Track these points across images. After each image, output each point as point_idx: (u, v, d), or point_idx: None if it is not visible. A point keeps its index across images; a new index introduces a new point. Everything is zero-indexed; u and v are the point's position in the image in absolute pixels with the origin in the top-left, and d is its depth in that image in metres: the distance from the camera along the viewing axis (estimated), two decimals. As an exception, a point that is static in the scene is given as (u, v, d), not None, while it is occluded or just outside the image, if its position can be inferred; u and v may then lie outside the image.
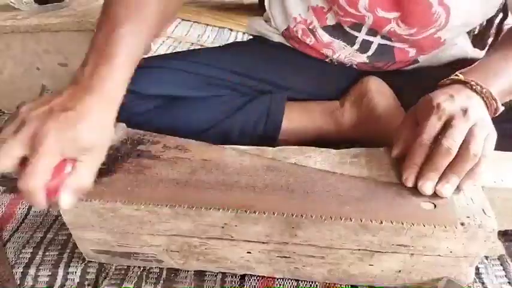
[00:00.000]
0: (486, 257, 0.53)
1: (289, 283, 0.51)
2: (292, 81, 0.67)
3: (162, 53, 1.24)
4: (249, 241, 0.46)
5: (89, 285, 0.52)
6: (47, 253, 0.56)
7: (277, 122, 0.63)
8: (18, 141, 0.37)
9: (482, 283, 0.50)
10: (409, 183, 0.44)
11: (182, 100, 0.64)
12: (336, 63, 0.68)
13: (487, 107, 0.46)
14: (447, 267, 0.45)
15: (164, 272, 0.53)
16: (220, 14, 1.53)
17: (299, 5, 0.63)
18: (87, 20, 0.81)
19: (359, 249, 0.45)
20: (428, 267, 0.45)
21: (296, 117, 0.65)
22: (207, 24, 1.47)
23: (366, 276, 0.48)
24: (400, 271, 0.46)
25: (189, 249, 0.49)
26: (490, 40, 0.77)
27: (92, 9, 0.87)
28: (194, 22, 1.48)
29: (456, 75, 0.49)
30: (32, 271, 0.53)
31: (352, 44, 0.63)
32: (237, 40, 1.35)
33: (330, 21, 0.62)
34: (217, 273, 0.52)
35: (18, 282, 0.52)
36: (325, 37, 0.64)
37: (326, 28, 0.63)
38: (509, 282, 0.50)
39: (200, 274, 0.52)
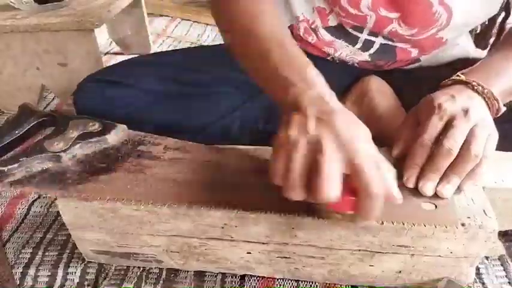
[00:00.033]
0: (486, 257, 0.53)
1: (289, 283, 0.51)
2: None
3: (162, 52, 1.25)
4: (249, 241, 0.46)
5: (88, 285, 0.52)
6: (47, 253, 0.56)
7: (277, 119, 0.63)
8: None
9: (483, 283, 0.50)
10: (410, 184, 0.44)
11: (182, 96, 0.64)
12: (337, 61, 0.68)
13: (489, 108, 0.46)
14: (448, 268, 0.45)
15: (164, 273, 0.53)
16: (220, 14, 1.53)
17: (303, 5, 0.63)
18: (87, 19, 0.81)
19: (359, 250, 0.45)
20: (428, 267, 0.45)
21: None
22: (207, 24, 1.46)
23: (366, 276, 0.47)
24: (400, 271, 0.46)
25: (189, 249, 0.49)
26: (492, 40, 0.77)
27: (92, 9, 0.87)
28: (194, 22, 1.48)
29: (457, 75, 0.49)
30: (31, 271, 0.53)
31: (354, 43, 0.63)
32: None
33: (332, 22, 0.62)
34: (217, 273, 0.52)
35: (18, 282, 0.52)
36: (327, 37, 0.64)
37: (328, 28, 0.63)
38: (509, 283, 0.50)
39: (200, 274, 0.52)
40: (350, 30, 0.61)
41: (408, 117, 0.49)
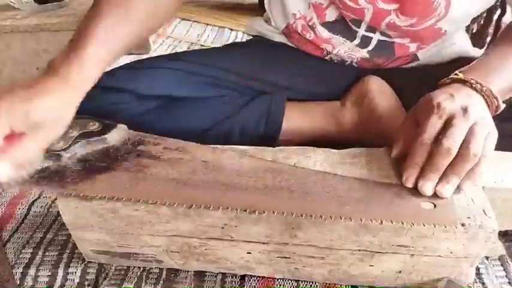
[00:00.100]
0: (486, 257, 0.53)
1: (289, 283, 0.51)
2: (292, 81, 0.67)
3: (162, 52, 1.25)
4: (249, 241, 0.46)
5: (88, 285, 0.52)
6: (47, 253, 0.56)
7: (277, 122, 0.63)
8: None
9: (483, 283, 0.50)
10: (409, 184, 0.44)
11: (182, 100, 0.64)
12: (336, 61, 0.68)
13: (488, 105, 0.46)
14: (447, 268, 0.45)
15: (164, 273, 0.53)
16: (220, 14, 1.53)
17: (300, 2, 0.63)
18: (87, 19, 0.81)
19: (359, 250, 0.45)
20: (428, 267, 0.45)
21: (296, 118, 0.65)
22: (207, 24, 1.46)
23: (366, 276, 0.48)
24: (400, 271, 0.46)
25: (189, 249, 0.49)
26: (488, 39, 0.77)
27: (92, 9, 0.87)
28: (194, 22, 1.48)
29: (456, 74, 0.49)
30: (31, 271, 0.53)
31: (352, 39, 0.63)
32: (237, 40, 1.35)
33: (329, 17, 0.62)
34: (217, 273, 0.52)
35: (18, 282, 0.52)
36: (324, 33, 0.64)
37: (325, 24, 0.63)
38: (509, 283, 0.50)
39: (200, 274, 0.52)
40: (349, 22, 0.61)
41: (407, 117, 0.49)
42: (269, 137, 0.64)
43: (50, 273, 0.53)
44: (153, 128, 0.58)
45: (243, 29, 1.39)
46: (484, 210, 0.42)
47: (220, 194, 0.45)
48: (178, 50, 1.29)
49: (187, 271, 0.52)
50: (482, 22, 0.73)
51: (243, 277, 0.52)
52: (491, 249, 0.50)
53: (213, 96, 0.65)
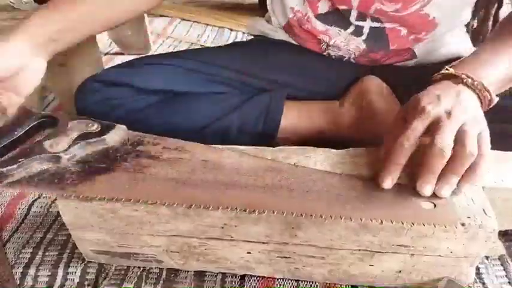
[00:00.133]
0: (487, 257, 0.53)
1: (289, 283, 0.51)
2: (292, 79, 0.67)
3: (162, 52, 1.25)
4: (248, 241, 0.46)
5: (88, 285, 0.52)
6: (47, 253, 0.56)
7: (276, 120, 0.64)
8: None
9: (483, 283, 0.50)
10: (381, 183, 0.44)
11: (182, 96, 0.64)
12: (334, 56, 0.69)
13: (480, 100, 0.46)
14: (447, 268, 0.45)
15: (164, 272, 0.53)
16: (220, 14, 1.53)
17: None
18: (87, 20, 0.81)
19: (359, 250, 0.45)
20: (428, 267, 0.45)
21: (295, 117, 0.65)
22: (207, 24, 1.47)
23: (366, 276, 0.48)
24: (400, 271, 0.46)
25: (189, 249, 0.49)
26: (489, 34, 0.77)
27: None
28: (194, 22, 1.48)
29: (447, 69, 0.48)
30: (31, 271, 0.53)
31: (346, 27, 0.64)
32: (237, 40, 1.35)
33: (322, 9, 0.64)
34: (217, 273, 0.52)
35: (18, 282, 0.52)
36: (320, 26, 0.65)
37: (319, 17, 0.64)
38: (509, 282, 0.50)
39: (200, 274, 0.52)
40: (341, 12, 0.62)
41: (397, 116, 0.49)
42: (267, 134, 0.64)
43: (49, 273, 0.53)
44: (152, 123, 0.58)
45: (243, 29, 1.40)
46: (484, 210, 0.42)
47: (219, 193, 0.45)
48: (178, 50, 1.29)
49: (187, 271, 0.52)
50: (481, 16, 0.73)
51: (243, 277, 0.52)
52: (491, 249, 0.50)
53: (213, 93, 0.65)
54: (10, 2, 0.90)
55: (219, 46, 0.77)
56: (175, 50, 1.28)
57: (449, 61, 0.67)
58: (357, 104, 0.64)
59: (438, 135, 0.41)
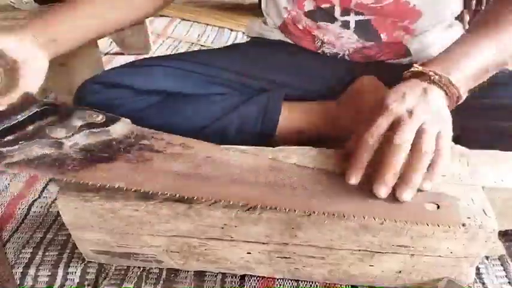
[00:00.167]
0: (487, 257, 0.53)
1: (289, 283, 0.51)
2: (289, 79, 0.68)
3: (162, 53, 1.25)
4: (249, 241, 0.46)
5: (88, 285, 0.52)
6: (47, 253, 0.56)
7: (273, 120, 0.64)
8: None
9: (483, 283, 0.50)
10: (348, 180, 0.44)
11: (181, 97, 0.65)
12: (329, 54, 0.69)
13: (449, 97, 0.46)
14: (447, 268, 0.45)
15: (164, 273, 0.53)
16: (220, 14, 1.53)
17: None
18: (87, 20, 0.81)
19: (359, 250, 0.45)
20: (428, 267, 0.45)
21: (293, 117, 0.65)
22: (207, 24, 1.47)
23: (366, 276, 0.48)
24: (400, 271, 0.46)
25: (189, 249, 0.49)
26: None
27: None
28: (194, 22, 1.48)
29: (416, 66, 0.49)
30: (31, 271, 0.53)
31: (333, 21, 0.65)
32: (237, 40, 1.35)
33: (307, 7, 0.65)
34: (217, 273, 0.52)
35: (18, 282, 0.52)
36: (310, 23, 0.66)
37: (307, 14, 0.66)
38: (509, 282, 0.50)
39: (200, 274, 0.52)
40: (324, 8, 0.63)
41: (370, 113, 0.49)
42: (266, 134, 0.64)
43: (49, 273, 0.53)
44: (152, 124, 0.58)
45: (243, 30, 1.40)
46: (484, 210, 0.42)
47: (221, 188, 0.45)
48: (179, 50, 1.29)
49: (187, 271, 0.52)
50: (473, 8, 0.72)
51: (243, 277, 0.52)
52: (491, 249, 0.50)
53: (212, 94, 0.66)
54: (10, 1, 0.90)
55: (218, 48, 0.78)
56: (175, 51, 1.28)
57: None
58: (354, 104, 0.64)
59: (397, 132, 0.42)
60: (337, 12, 0.63)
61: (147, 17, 0.87)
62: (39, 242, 0.58)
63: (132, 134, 0.52)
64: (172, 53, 1.20)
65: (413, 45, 0.65)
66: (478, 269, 0.51)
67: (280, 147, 0.53)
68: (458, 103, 0.48)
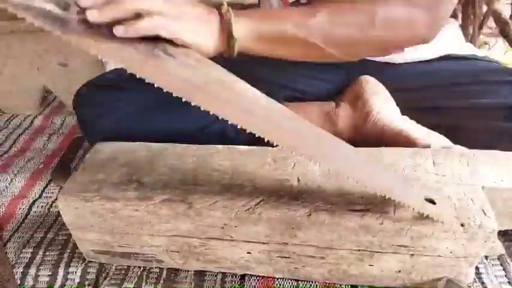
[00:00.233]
0: (486, 257, 0.53)
1: (289, 283, 0.51)
2: (287, 79, 0.68)
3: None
4: (248, 241, 0.46)
5: (89, 285, 0.52)
6: (47, 253, 0.56)
7: None
8: None
9: (482, 283, 0.50)
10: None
11: (181, 98, 0.65)
12: None
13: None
14: (447, 268, 0.45)
15: (164, 272, 0.53)
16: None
17: None
18: (87, 19, 0.81)
19: (359, 250, 0.45)
20: (428, 267, 0.45)
21: None
22: (207, 24, 1.46)
23: (366, 276, 0.48)
24: (400, 271, 0.46)
25: (189, 249, 0.49)
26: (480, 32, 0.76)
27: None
28: (194, 21, 1.48)
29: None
30: (32, 271, 0.54)
31: None
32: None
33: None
34: (217, 273, 0.52)
35: (19, 282, 0.53)
36: None
37: (292, 5, 0.67)
38: (509, 282, 0.50)
39: (200, 274, 0.52)
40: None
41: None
42: None
43: (50, 273, 0.53)
44: (151, 124, 0.58)
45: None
46: (483, 210, 0.42)
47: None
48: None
49: (188, 271, 0.53)
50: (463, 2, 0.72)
51: (243, 277, 0.52)
52: (490, 248, 0.50)
53: None
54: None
55: None
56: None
57: (439, 58, 0.67)
58: (352, 104, 0.64)
59: None
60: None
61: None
62: (40, 242, 0.58)
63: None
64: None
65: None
66: (477, 268, 0.51)
67: (280, 147, 0.53)
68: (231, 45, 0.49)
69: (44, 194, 0.68)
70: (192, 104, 0.41)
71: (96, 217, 0.47)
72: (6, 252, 0.56)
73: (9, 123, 0.90)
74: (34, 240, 0.58)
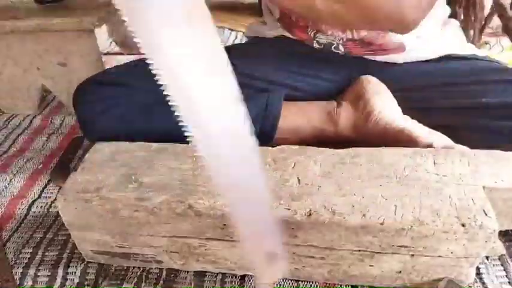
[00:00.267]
0: (487, 257, 0.52)
1: (289, 283, 0.51)
2: (288, 78, 0.68)
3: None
4: (248, 242, 0.46)
5: (88, 285, 0.52)
6: (47, 253, 0.56)
7: (273, 121, 0.64)
8: None
9: (483, 283, 0.50)
10: None
11: None
12: (323, 45, 0.69)
13: None
14: (447, 268, 0.45)
15: (164, 273, 0.52)
16: (220, 14, 1.53)
17: None
18: (86, 19, 0.81)
19: (359, 250, 0.45)
20: (428, 267, 0.45)
21: (293, 117, 0.65)
22: (207, 24, 1.46)
23: (366, 276, 0.47)
24: (400, 272, 0.46)
25: (189, 250, 0.49)
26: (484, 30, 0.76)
27: (92, 9, 0.87)
28: (194, 22, 1.48)
29: None
30: (31, 271, 0.53)
31: None
32: (237, 40, 1.35)
33: None
34: (217, 273, 0.52)
35: (18, 282, 0.52)
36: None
37: None
38: (509, 282, 0.50)
39: (200, 274, 0.52)
40: None
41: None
42: (266, 135, 0.64)
43: (49, 273, 0.53)
44: (151, 123, 0.58)
45: (242, 29, 1.39)
46: (484, 210, 0.42)
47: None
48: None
49: (187, 271, 0.52)
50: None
51: (243, 277, 0.52)
52: (491, 249, 0.50)
53: None
54: (10, 1, 0.90)
55: None
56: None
57: (440, 58, 0.67)
58: (354, 104, 0.64)
59: None
60: None
61: None
62: (39, 242, 0.58)
63: None
64: (172, 52, 1.20)
65: (406, 39, 0.65)
66: (478, 268, 0.50)
67: (280, 147, 0.53)
68: None
69: (43, 194, 0.67)
70: None
71: (96, 217, 0.47)
72: (6, 253, 0.56)
73: (9, 123, 0.90)
74: (33, 240, 0.58)
